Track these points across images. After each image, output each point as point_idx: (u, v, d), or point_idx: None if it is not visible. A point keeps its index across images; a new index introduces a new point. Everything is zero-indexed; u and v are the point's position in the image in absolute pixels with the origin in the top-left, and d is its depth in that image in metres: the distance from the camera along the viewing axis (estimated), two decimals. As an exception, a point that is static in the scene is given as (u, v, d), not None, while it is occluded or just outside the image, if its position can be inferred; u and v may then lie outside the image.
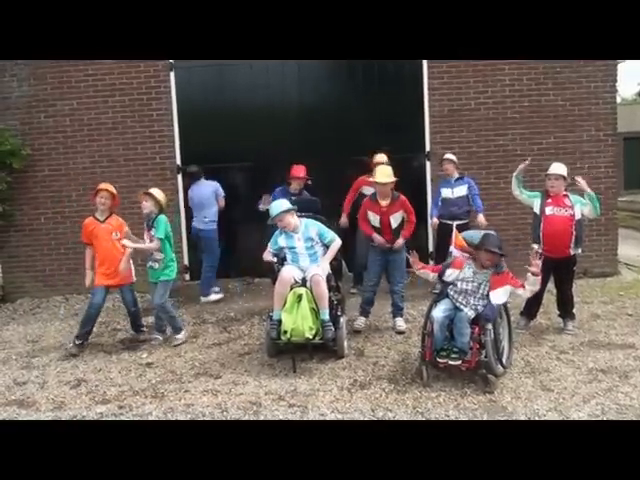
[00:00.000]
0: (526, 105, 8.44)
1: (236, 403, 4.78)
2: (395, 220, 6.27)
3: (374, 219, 6.32)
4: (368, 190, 6.73)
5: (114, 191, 6.38)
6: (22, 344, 6.68)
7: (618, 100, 10.22)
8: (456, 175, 7.57)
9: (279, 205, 5.79)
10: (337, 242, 5.84)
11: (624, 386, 4.83)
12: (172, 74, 8.40)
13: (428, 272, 5.32)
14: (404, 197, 6.31)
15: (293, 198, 7.10)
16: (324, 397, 4.83)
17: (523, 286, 5.01)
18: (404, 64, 8.36)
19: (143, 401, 4.93)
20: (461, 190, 7.51)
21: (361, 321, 6.51)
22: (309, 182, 7.48)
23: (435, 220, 7.66)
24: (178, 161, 8.47)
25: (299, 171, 7.42)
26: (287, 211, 5.73)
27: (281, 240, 5.83)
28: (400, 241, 6.23)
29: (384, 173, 6.23)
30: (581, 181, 6.00)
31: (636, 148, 23.91)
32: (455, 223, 7.21)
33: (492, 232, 5.37)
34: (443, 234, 7.34)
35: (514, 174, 6.28)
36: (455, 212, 7.42)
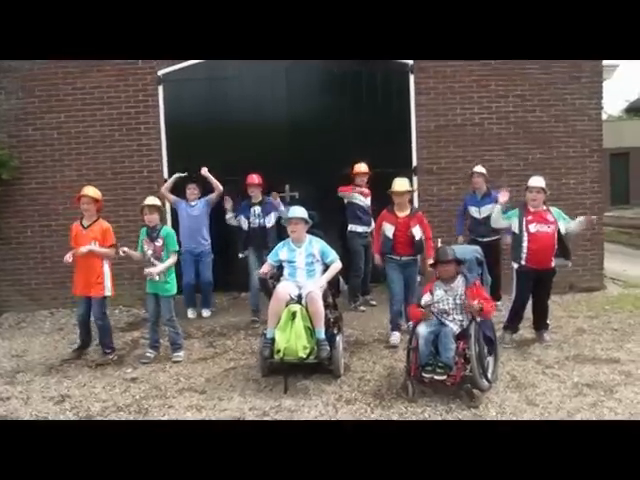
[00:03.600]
0: (512, 121, 8.53)
1: (220, 419, 4.74)
2: (417, 233, 6.35)
3: (389, 229, 6.36)
4: (389, 229, 6.44)
5: (96, 195, 6.26)
6: (7, 359, 6.59)
7: (605, 117, 10.34)
8: (484, 189, 7.50)
9: (299, 210, 5.80)
10: (338, 264, 5.78)
11: (609, 401, 4.85)
12: (160, 88, 8.42)
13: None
14: (421, 213, 6.63)
15: (256, 208, 7.41)
16: (309, 413, 4.80)
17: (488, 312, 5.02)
18: (392, 80, 8.45)
19: (127, 417, 4.88)
20: (488, 210, 7.32)
21: (395, 336, 6.45)
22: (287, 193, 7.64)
23: (461, 238, 7.64)
24: (165, 175, 8.44)
25: (253, 178, 7.50)
26: (304, 220, 5.73)
27: (282, 253, 5.75)
28: (429, 261, 5.84)
29: (401, 183, 6.40)
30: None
31: (623, 164, 24.17)
32: (485, 240, 7.15)
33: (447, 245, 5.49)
34: None
35: (499, 207, 6.37)
36: (483, 231, 7.31)
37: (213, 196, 7.72)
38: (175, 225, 7.89)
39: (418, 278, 6.59)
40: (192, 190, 7.75)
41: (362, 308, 7.82)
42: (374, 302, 7.97)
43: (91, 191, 6.26)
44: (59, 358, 6.46)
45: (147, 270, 6.04)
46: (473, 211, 7.55)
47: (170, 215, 8.37)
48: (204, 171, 7.68)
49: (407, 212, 6.44)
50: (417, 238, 6.35)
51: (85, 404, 5.18)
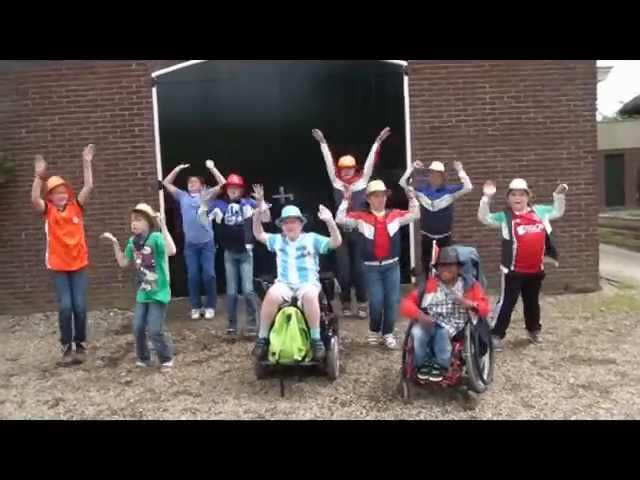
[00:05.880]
0: (506, 123, 8.54)
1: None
2: (392, 228, 6.22)
3: (368, 230, 6.23)
4: (368, 229, 6.30)
5: (65, 181, 6.43)
6: (1, 362, 6.57)
7: (600, 118, 10.38)
8: (439, 183, 7.43)
9: (293, 209, 5.84)
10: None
11: (605, 402, 4.84)
12: (154, 90, 8.40)
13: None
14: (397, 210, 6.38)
15: (234, 205, 7.03)
16: (304, 415, 4.78)
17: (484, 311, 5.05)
18: (386, 82, 8.46)
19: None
20: (443, 202, 7.38)
21: (374, 337, 6.51)
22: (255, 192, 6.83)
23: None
24: (159, 177, 8.44)
25: (233, 178, 7.22)
26: (299, 218, 5.77)
27: (278, 241, 5.82)
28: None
29: (378, 183, 6.36)
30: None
31: (617, 165, 24.26)
32: (438, 237, 7.05)
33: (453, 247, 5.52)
34: (426, 247, 7.21)
35: (485, 200, 6.25)
36: (437, 228, 7.28)
37: (217, 188, 7.56)
38: (178, 219, 7.87)
39: (413, 279, 6.55)
40: (193, 183, 7.74)
41: (347, 312, 7.67)
42: (363, 314, 7.60)
43: (60, 180, 6.39)
44: (53, 361, 6.43)
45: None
46: (425, 202, 7.34)
47: (164, 211, 8.23)
48: (210, 164, 7.58)
49: (384, 213, 6.30)
50: (391, 234, 6.21)
51: (79, 408, 5.16)
